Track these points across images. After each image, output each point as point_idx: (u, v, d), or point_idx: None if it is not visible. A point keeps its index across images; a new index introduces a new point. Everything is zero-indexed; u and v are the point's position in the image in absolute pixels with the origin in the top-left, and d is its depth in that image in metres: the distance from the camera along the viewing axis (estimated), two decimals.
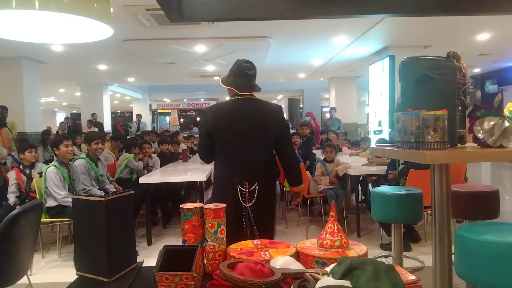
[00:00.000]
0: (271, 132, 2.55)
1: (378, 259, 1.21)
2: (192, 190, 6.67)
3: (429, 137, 1.89)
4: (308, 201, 4.97)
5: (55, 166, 4.10)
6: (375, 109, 8.44)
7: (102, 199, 1.33)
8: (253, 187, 2.48)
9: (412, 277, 1.21)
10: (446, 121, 1.83)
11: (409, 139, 1.96)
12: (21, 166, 4.54)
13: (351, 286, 1.03)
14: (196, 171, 5.16)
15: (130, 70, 10.43)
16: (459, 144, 1.96)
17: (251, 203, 2.48)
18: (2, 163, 4.67)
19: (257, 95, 2.66)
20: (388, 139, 5.60)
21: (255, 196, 2.47)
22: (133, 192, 1.49)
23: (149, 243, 4.56)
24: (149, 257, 3.93)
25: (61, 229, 4.55)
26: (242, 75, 2.57)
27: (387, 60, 7.59)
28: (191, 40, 7.02)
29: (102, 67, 9.45)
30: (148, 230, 4.62)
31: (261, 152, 2.54)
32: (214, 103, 2.84)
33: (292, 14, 3.54)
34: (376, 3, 2.99)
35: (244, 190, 2.48)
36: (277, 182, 2.85)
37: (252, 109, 2.54)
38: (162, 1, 2.71)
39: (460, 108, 1.93)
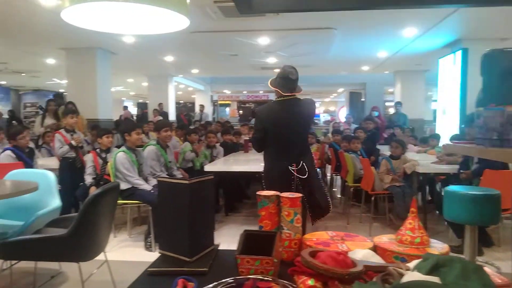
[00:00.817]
0: (308, 122, 3.35)
1: None
2: (251, 180, 6.75)
3: None
4: (373, 198, 4.85)
5: (123, 151, 4.32)
6: (443, 105, 8.02)
7: (186, 182, 1.39)
8: (300, 165, 3.12)
9: (498, 280, 1.15)
10: None
11: (492, 136, 1.85)
12: (97, 150, 4.84)
13: (441, 283, 1.00)
14: (257, 162, 5.20)
15: (194, 61, 10.72)
16: None
17: (305, 176, 3.11)
18: (80, 147, 5.00)
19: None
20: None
21: (307, 171, 3.12)
22: (212, 177, 1.54)
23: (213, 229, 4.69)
24: None
25: (131, 211, 4.81)
26: (286, 79, 3.10)
27: (459, 53, 7.17)
28: (255, 32, 7.07)
29: (169, 58, 9.80)
30: (213, 214, 4.76)
31: (303, 140, 3.27)
32: (265, 105, 3.45)
33: (361, 4, 3.46)
34: None
35: (293, 169, 3.11)
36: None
37: (295, 107, 3.15)
38: None
39: None
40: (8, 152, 4.52)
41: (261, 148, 3.30)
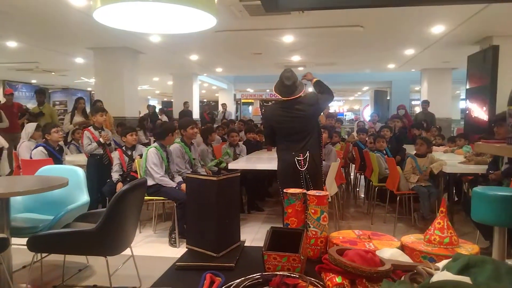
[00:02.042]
0: (309, 121, 3.57)
1: None
2: (273, 178, 6.74)
3: None
4: (398, 198, 4.78)
5: (155, 147, 4.41)
6: (472, 104, 7.81)
7: (215, 178, 1.41)
8: (305, 156, 3.51)
9: None
10: None
11: None
12: (123, 148, 4.95)
13: (472, 283, 0.98)
14: None
15: (219, 60, 10.79)
16: None
17: (305, 167, 3.50)
18: (108, 144, 5.12)
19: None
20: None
21: (308, 162, 3.50)
22: (239, 174, 1.55)
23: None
24: None
25: (156, 207, 4.89)
26: (282, 85, 3.50)
27: (489, 50, 6.97)
28: (279, 30, 7.05)
29: (194, 57, 9.89)
30: (239, 210, 4.79)
31: (307, 134, 3.54)
32: (270, 104, 3.86)
33: (388, 1, 3.41)
34: None
35: (300, 159, 3.51)
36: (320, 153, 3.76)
37: (293, 108, 3.50)
38: None
39: None
40: (41, 148, 4.68)
41: (272, 143, 3.86)
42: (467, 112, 7.76)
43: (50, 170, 3.61)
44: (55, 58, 9.82)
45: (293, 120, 3.53)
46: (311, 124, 3.60)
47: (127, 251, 2.93)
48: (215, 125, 8.64)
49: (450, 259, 1.16)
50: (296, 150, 3.53)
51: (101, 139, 5.02)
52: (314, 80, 3.75)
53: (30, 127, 5.20)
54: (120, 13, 2.08)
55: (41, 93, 7.92)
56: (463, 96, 12.38)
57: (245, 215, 5.42)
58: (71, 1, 5.13)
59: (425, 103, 9.72)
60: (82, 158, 5.29)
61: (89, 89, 17.29)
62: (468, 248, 1.37)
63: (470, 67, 7.79)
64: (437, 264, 1.22)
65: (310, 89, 4.28)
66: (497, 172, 4.06)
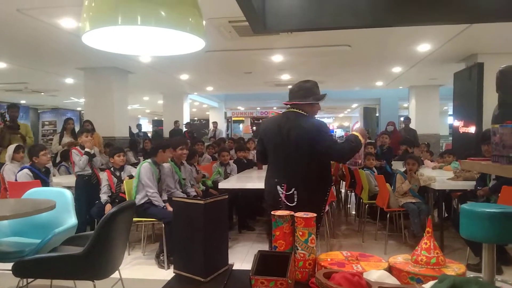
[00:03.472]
0: (307, 139, 2.77)
1: None
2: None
3: None
4: (388, 215, 4.79)
5: (149, 163, 4.41)
6: (459, 121, 7.92)
7: (201, 202, 1.40)
8: (291, 191, 2.77)
9: None
10: None
11: (508, 153, 1.83)
12: (112, 168, 4.91)
13: None
14: None
15: (209, 79, 10.85)
16: None
17: (293, 204, 2.74)
18: (93, 155, 5.05)
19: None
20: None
21: (295, 199, 2.75)
22: (227, 196, 1.55)
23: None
24: None
25: (145, 228, 4.84)
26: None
27: (474, 67, 7.11)
28: (269, 50, 7.14)
29: (184, 76, 9.94)
30: (227, 233, 4.75)
31: (299, 159, 2.79)
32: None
33: (375, 22, 3.47)
34: (464, 10, 2.84)
35: (282, 191, 2.79)
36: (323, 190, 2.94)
37: (287, 123, 2.84)
38: (248, 13, 2.81)
39: None
40: (26, 170, 4.62)
41: (262, 161, 3.17)
42: (455, 128, 7.86)
43: (37, 192, 3.56)
44: (44, 78, 9.80)
45: (283, 135, 2.82)
46: (304, 145, 2.79)
47: (116, 274, 2.88)
48: (206, 144, 8.62)
49: (436, 280, 1.16)
50: (280, 177, 2.84)
51: (87, 149, 4.98)
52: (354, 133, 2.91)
53: (10, 149, 5.11)
54: (109, 35, 2.10)
55: (13, 107, 7.48)
56: (450, 112, 12.55)
57: (236, 235, 5.39)
58: (61, 23, 5.16)
59: (407, 120, 9.86)
60: (70, 180, 5.24)
61: (78, 109, 17.23)
62: (455, 268, 1.38)
63: (456, 84, 7.94)
64: (423, 285, 1.23)
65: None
66: (485, 188, 4.10)
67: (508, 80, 2.03)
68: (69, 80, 9.99)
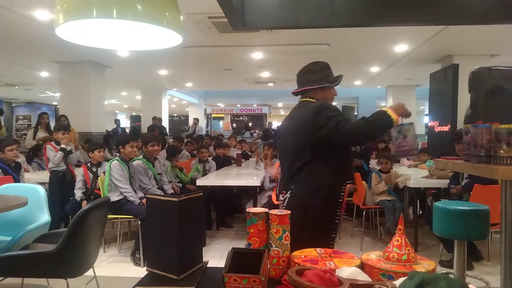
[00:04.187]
0: (298, 140, 2.24)
1: None
2: (244, 194, 6.74)
3: (502, 151, 1.80)
4: (364, 212, 4.86)
5: (117, 160, 4.36)
6: (435, 120, 8.09)
7: (175, 199, 1.39)
8: (286, 195, 2.28)
9: None
10: None
11: (479, 152, 1.88)
12: (88, 164, 4.82)
13: None
14: (250, 176, 5.22)
15: (188, 75, 10.77)
16: None
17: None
18: (69, 152, 4.94)
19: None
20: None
21: (284, 205, 2.25)
22: (202, 193, 1.54)
23: (204, 244, 4.66)
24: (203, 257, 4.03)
25: (121, 225, 4.78)
26: None
27: (450, 68, 7.27)
28: (248, 47, 7.13)
29: (163, 72, 9.84)
30: (203, 231, 4.74)
31: (296, 158, 2.24)
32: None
33: (354, 22, 3.51)
34: (440, 12, 2.90)
35: (282, 199, 2.35)
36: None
37: (291, 114, 2.40)
38: (226, 10, 2.79)
39: None
40: None
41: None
42: (430, 127, 8.03)
43: (9, 188, 3.47)
44: (18, 71, 9.54)
45: (285, 130, 2.40)
46: (300, 141, 2.23)
47: (90, 272, 2.84)
48: (185, 140, 8.55)
49: (407, 277, 1.19)
50: (281, 181, 2.46)
51: (62, 145, 4.88)
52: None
53: None
54: (85, 29, 2.05)
55: None
56: (427, 111, 12.82)
57: (214, 232, 5.37)
58: (35, 15, 5.02)
59: None
60: (44, 176, 5.12)
61: (54, 103, 16.83)
62: (425, 265, 1.40)
63: (432, 84, 8.10)
64: (394, 282, 1.25)
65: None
66: (458, 186, 4.20)
67: (480, 82, 2.07)
68: (44, 74, 9.74)
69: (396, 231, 1.52)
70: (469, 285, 1.19)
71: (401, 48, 7.11)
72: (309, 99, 2.34)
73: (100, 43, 2.26)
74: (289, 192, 2.27)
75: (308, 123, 2.18)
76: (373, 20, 3.43)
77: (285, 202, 2.27)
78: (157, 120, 11.41)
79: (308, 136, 2.18)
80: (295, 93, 2.45)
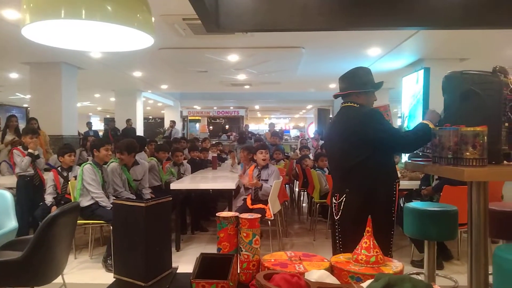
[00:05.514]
0: (343, 144, 2.39)
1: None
2: (220, 197, 6.70)
3: (468, 153, 1.85)
4: None
5: (90, 164, 4.27)
6: (407, 122, 8.27)
7: (142, 204, 1.36)
8: (342, 198, 2.35)
9: None
10: (486, 137, 1.79)
11: (447, 154, 1.92)
12: (59, 168, 4.70)
13: None
14: (225, 179, 5.20)
15: (163, 77, 10.66)
16: (505, 162, 1.90)
17: (338, 216, 2.37)
18: (36, 156, 4.81)
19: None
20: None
21: (341, 208, 2.35)
22: (171, 198, 1.52)
23: (178, 249, 4.60)
24: (177, 262, 3.96)
25: (93, 231, 4.67)
26: None
27: (421, 72, 7.44)
28: (224, 50, 7.12)
29: (137, 74, 9.70)
30: (177, 235, 4.68)
31: (345, 160, 2.37)
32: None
33: (328, 25, 3.54)
34: (411, 17, 2.96)
35: (335, 202, 2.40)
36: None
37: (335, 120, 2.55)
38: (200, 12, 2.77)
39: (507, 124, 1.87)
40: None
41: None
42: (403, 130, 8.19)
43: None
44: None
45: (331, 133, 2.58)
46: (345, 143, 2.40)
47: (59, 279, 2.76)
48: (159, 143, 8.44)
49: (373, 279, 1.20)
50: (334, 187, 2.51)
51: (30, 150, 4.74)
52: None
53: None
54: (54, 29, 2.00)
55: None
56: (400, 114, 13.08)
57: (189, 236, 5.32)
58: (3, 14, 4.87)
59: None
60: (10, 181, 4.96)
61: (25, 105, 16.36)
62: (393, 267, 1.42)
63: (405, 87, 8.27)
64: (362, 284, 1.26)
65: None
66: (428, 187, 4.30)
67: (453, 86, 2.13)
68: (14, 75, 9.47)
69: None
70: (436, 286, 1.21)
71: (374, 51, 7.24)
72: (351, 104, 2.47)
73: (70, 44, 2.21)
74: (344, 196, 2.36)
75: (357, 130, 2.33)
76: (347, 24, 3.48)
77: (342, 205, 2.36)
78: (109, 122, 11.07)
79: (358, 140, 2.32)
80: (336, 96, 2.60)
